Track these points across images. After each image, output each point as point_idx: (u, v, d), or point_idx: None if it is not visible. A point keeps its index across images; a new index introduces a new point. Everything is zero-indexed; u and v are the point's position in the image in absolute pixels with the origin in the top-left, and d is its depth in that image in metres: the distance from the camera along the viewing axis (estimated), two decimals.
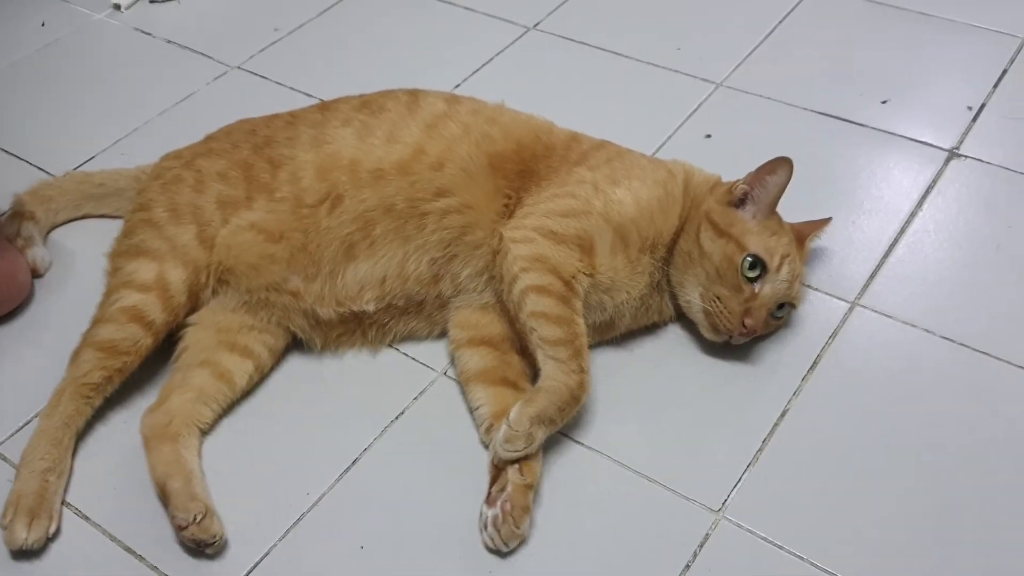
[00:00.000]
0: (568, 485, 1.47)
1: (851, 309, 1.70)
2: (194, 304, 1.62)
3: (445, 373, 1.64)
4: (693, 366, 1.63)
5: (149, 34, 2.46)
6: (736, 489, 1.45)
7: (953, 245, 1.80)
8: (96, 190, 1.89)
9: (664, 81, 2.21)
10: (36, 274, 1.80)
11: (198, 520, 1.37)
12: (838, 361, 1.62)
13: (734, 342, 1.58)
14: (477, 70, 2.27)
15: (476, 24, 2.43)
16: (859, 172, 1.96)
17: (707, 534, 1.40)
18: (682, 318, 1.67)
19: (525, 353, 1.55)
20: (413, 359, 1.66)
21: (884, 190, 1.92)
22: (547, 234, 1.53)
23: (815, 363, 1.61)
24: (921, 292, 1.72)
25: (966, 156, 1.98)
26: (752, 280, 1.53)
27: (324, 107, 1.73)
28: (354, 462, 1.51)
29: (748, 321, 1.53)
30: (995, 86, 2.13)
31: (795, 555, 1.37)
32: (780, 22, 2.35)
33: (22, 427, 1.57)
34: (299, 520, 1.44)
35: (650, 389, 1.60)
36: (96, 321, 1.58)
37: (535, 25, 2.40)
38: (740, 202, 1.58)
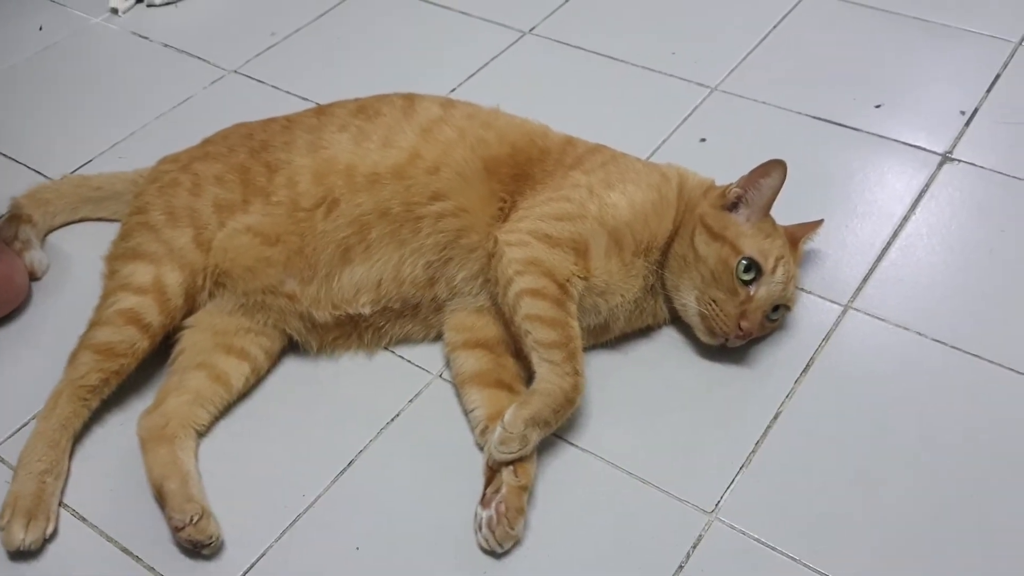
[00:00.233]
0: (562, 487, 1.47)
1: (844, 312, 1.70)
2: (191, 307, 1.63)
3: (440, 375, 1.64)
4: (687, 369, 1.64)
5: (146, 38, 2.47)
6: (729, 491, 1.46)
7: (946, 249, 1.81)
8: (93, 193, 1.89)
9: (659, 85, 2.22)
10: (33, 277, 1.81)
11: (195, 521, 1.38)
12: (831, 364, 1.63)
13: (730, 345, 1.58)
14: (473, 74, 2.28)
15: (472, 28, 2.44)
16: (852, 176, 1.97)
17: (700, 535, 1.41)
18: (676, 321, 1.68)
19: (520, 356, 1.56)
20: (409, 362, 1.67)
21: (877, 194, 1.92)
22: (542, 237, 1.53)
23: (808, 365, 1.62)
24: (914, 295, 1.73)
25: (959, 160, 1.99)
26: (747, 283, 1.54)
27: (320, 111, 1.74)
28: (350, 464, 1.52)
29: (744, 324, 1.53)
30: (988, 91, 2.14)
31: (788, 556, 1.38)
32: (774, 27, 2.36)
33: (19, 429, 1.57)
34: (295, 521, 1.45)
35: (644, 391, 1.61)
36: (93, 324, 1.58)
37: (531, 29, 2.41)
38: (734, 205, 1.59)
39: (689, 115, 2.13)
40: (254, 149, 1.68)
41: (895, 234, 1.84)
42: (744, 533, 1.41)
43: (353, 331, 1.66)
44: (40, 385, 1.56)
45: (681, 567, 1.37)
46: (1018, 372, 1.59)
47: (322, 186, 1.60)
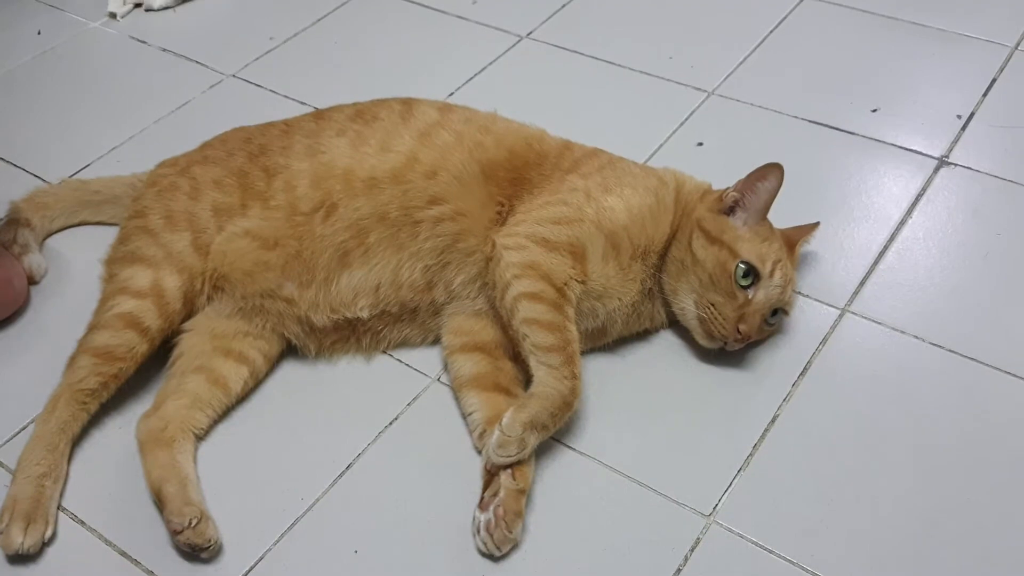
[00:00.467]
0: (560, 490, 1.48)
1: (841, 315, 1.71)
2: (189, 310, 1.63)
3: (438, 379, 1.64)
4: (684, 372, 1.64)
5: (144, 42, 2.47)
6: (727, 494, 1.46)
7: (942, 252, 1.81)
8: (92, 197, 1.90)
9: (656, 89, 2.22)
10: (32, 281, 1.81)
11: (193, 525, 1.38)
12: (828, 367, 1.63)
13: (729, 348, 1.59)
14: (470, 79, 2.28)
15: (470, 33, 2.44)
16: (849, 180, 1.97)
17: (698, 538, 1.41)
18: (674, 324, 1.68)
19: (518, 359, 1.56)
20: (407, 365, 1.67)
21: (874, 198, 1.93)
22: (539, 241, 1.54)
23: (805, 369, 1.63)
24: (911, 299, 1.73)
25: (955, 164, 1.99)
26: (745, 287, 1.54)
27: (318, 116, 1.74)
28: (348, 467, 1.52)
29: (743, 327, 1.54)
30: (984, 95, 2.15)
31: (786, 559, 1.38)
32: (771, 31, 2.37)
33: (18, 432, 1.58)
34: (293, 525, 1.45)
35: (642, 395, 1.61)
36: (92, 327, 1.58)
37: (528, 34, 2.42)
38: (731, 209, 1.59)
39: (686, 119, 2.13)
40: (252, 153, 1.68)
41: (892, 238, 1.84)
42: (742, 536, 1.41)
43: (351, 335, 1.66)
44: (39, 389, 1.56)
45: (679, 570, 1.37)
46: (1014, 375, 1.60)
47: (320, 190, 1.61)
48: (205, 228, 1.63)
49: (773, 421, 1.55)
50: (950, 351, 1.64)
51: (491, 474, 1.44)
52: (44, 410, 1.52)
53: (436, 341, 1.67)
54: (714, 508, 1.44)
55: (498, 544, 1.38)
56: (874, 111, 2.13)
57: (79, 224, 1.92)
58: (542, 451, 1.49)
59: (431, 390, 1.63)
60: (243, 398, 1.61)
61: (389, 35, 2.46)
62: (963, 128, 2.07)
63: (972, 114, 2.10)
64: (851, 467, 1.49)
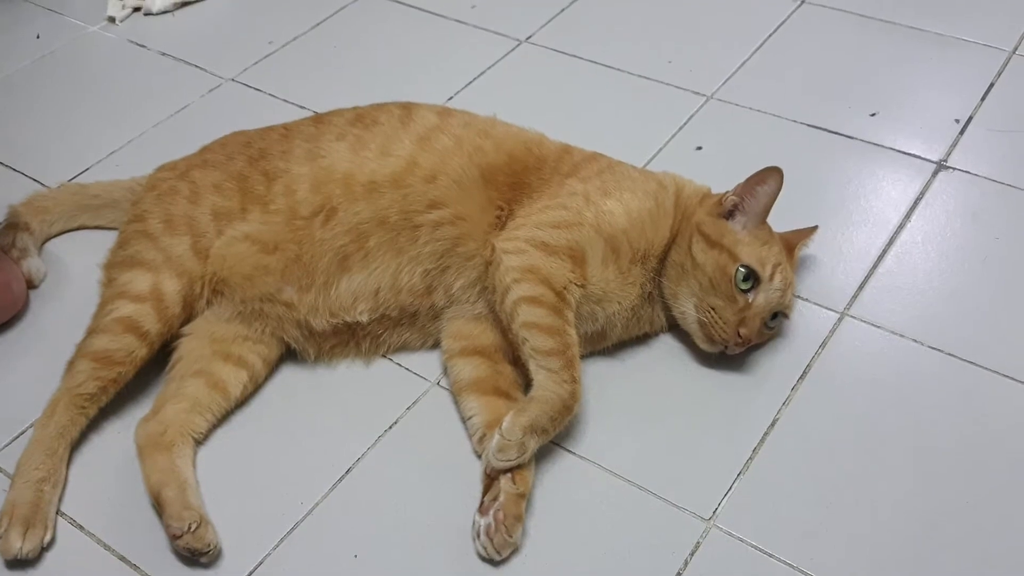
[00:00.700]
0: (560, 494, 1.47)
1: (840, 319, 1.71)
2: (188, 314, 1.63)
3: (438, 383, 1.64)
4: (684, 376, 1.64)
5: (143, 46, 2.47)
6: (727, 498, 1.46)
7: (941, 256, 1.82)
8: (91, 201, 1.90)
9: (655, 94, 2.23)
10: (31, 285, 1.81)
11: (192, 529, 1.38)
12: (828, 371, 1.63)
13: (729, 352, 1.59)
14: (470, 83, 2.28)
15: (469, 37, 2.45)
16: (848, 184, 1.97)
17: (698, 542, 1.41)
18: (673, 328, 1.68)
19: (518, 363, 1.56)
20: (406, 369, 1.67)
21: (873, 202, 1.93)
22: (539, 245, 1.54)
23: (805, 372, 1.63)
24: (910, 302, 1.73)
25: (954, 168, 1.99)
26: (745, 290, 1.54)
27: (318, 120, 1.74)
28: (347, 471, 1.52)
29: (743, 331, 1.54)
30: (982, 99, 2.15)
31: (786, 563, 1.38)
32: (770, 35, 2.37)
33: (17, 437, 1.57)
34: (293, 529, 1.45)
35: (642, 399, 1.61)
36: (91, 331, 1.58)
37: (527, 38, 2.42)
38: (730, 213, 1.60)
39: (685, 123, 2.13)
40: (252, 157, 1.68)
41: (891, 241, 1.84)
42: (742, 540, 1.41)
43: (351, 339, 1.66)
44: (38, 393, 1.56)
45: (679, 574, 1.37)
46: (1014, 379, 1.60)
47: (320, 194, 1.61)
48: (204, 232, 1.63)
49: (773, 425, 1.55)
50: (949, 355, 1.64)
51: (491, 478, 1.43)
52: (43, 414, 1.52)
53: (436, 345, 1.67)
54: (714, 512, 1.44)
55: (498, 548, 1.38)
56: (873, 115, 2.13)
57: (78, 228, 1.92)
58: (542, 455, 1.49)
59: (431, 394, 1.63)
60: (242, 402, 1.61)
61: (388, 39, 2.46)
62: (961, 132, 2.07)
63: (970, 118, 2.11)
64: (851, 471, 1.49)
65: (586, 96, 2.24)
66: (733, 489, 1.47)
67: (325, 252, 1.59)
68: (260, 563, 1.41)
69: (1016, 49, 2.28)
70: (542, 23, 2.46)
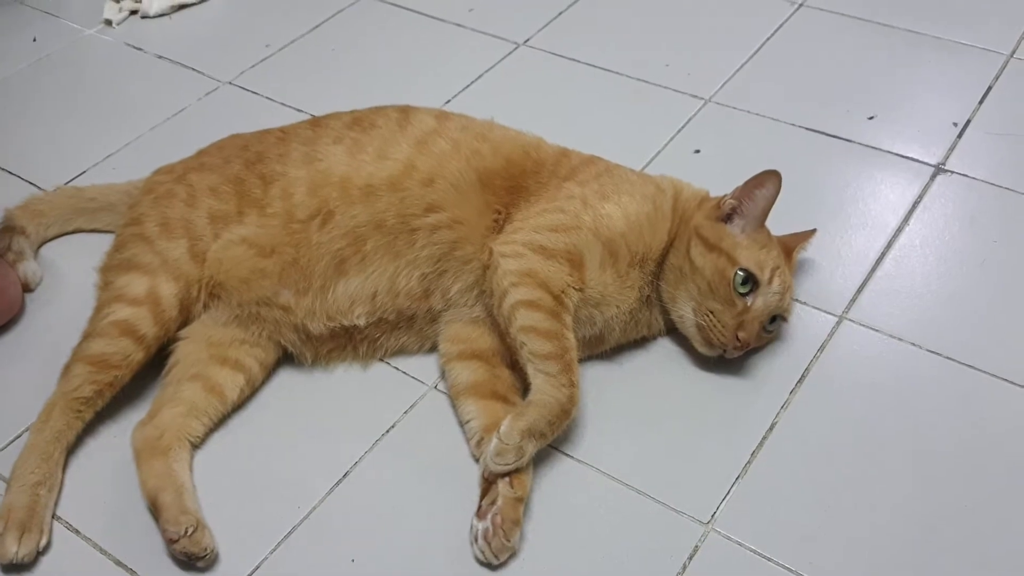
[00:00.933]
0: (558, 498, 1.47)
1: (839, 323, 1.71)
2: (185, 318, 1.62)
3: (436, 387, 1.64)
4: (682, 379, 1.64)
5: (140, 49, 2.47)
6: (725, 501, 1.46)
7: (939, 260, 1.81)
8: (87, 204, 1.89)
9: (653, 97, 2.23)
10: (27, 288, 1.80)
11: (189, 533, 1.37)
12: (826, 374, 1.63)
13: (728, 355, 1.58)
14: (467, 86, 2.28)
15: (466, 40, 2.44)
16: (846, 187, 1.97)
17: (696, 546, 1.40)
18: (671, 332, 1.68)
19: (515, 367, 1.56)
20: (404, 373, 1.67)
21: (871, 205, 1.93)
22: (537, 249, 1.53)
23: (803, 376, 1.62)
24: (908, 306, 1.73)
25: (952, 172, 1.99)
26: (744, 294, 1.54)
27: (315, 123, 1.74)
28: (345, 475, 1.51)
29: (742, 334, 1.54)
30: (980, 102, 2.15)
31: (784, 567, 1.38)
32: (768, 39, 2.37)
33: (12, 441, 1.57)
34: (290, 533, 1.44)
35: (640, 402, 1.61)
36: (87, 335, 1.58)
37: (525, 41, 2.42)
38: (729, 217, 1.59)
39: (683, 127, 2.13)
40: (249, 161, 1.68)
41: (889, 245, 1.84)
42: (740, 544, 1.40)
43: (348, 343, 1.65)
44: (33, 397, 1.55)
45: None
46: (1012, 382, 1.60)
47: (317, 198, 1.60)
48: (201, 235, 1.63)
49: (771, 428, 1.55)
50: (947, 358, 1.64)
51: (489, 482, 1.43)
52: (39, 419, 1.51)
53: (433, 349, 1.67)
54: (712, 516, 1.44)
55: (496, 553, 1.38)
56: (871, 118, 2.13)
57: (74, 231, 1.91)
58: (540, 459, 1.49)
59: (428, 398, 1.63)
60: (239, 406, 1.61)
61: (386, 42, 2.46)
62: (959, 136, 2.07)
63: (968, 122, 2.11)
64: (849, 474, 1.49)
65: (584, 99, 2.24)
66: (731, 493, 1.47)
67: (322, 256, 1.59)
68: (257, 567, 1.41)
69: (1014, 53, 2.28)
70: (540, 26, 2.46)
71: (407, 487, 1.50)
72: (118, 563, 1.42)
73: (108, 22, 2.55)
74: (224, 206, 1.64)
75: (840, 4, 2.45)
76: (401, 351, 1.68)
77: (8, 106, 2.31)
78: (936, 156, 2.03)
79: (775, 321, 1.59)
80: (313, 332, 1.62)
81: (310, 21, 2.53)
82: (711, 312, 1.55)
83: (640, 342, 1.68)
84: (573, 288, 1.53)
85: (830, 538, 1.41)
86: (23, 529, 1.40)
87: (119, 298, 1.59)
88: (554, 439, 1.47)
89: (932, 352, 1.65)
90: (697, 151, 2.07)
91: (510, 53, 2.39)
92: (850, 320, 1.71)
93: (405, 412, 1.60)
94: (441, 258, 1.59)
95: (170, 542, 1.38)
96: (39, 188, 2.02)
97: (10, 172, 2.09)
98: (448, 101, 2.22)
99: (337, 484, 1.50)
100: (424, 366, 1.67)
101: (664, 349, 1.68)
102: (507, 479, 1.41)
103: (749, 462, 1.51)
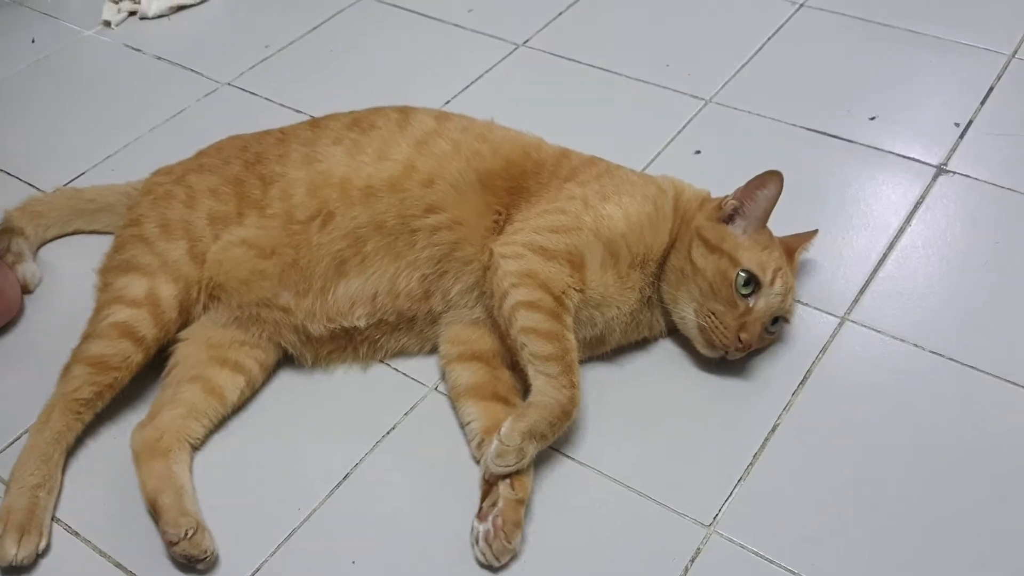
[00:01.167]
0: (559, 500, 1.47)
1: (841, 324, 1.70)
2: (185, 319, 1.62)
3: (436, 388, 1.64)
4: (684, 381, 1.63)
5: (139, 50, 2.47)
6: (727, 504, 1.45)
7: (941, 260, 1.81)
8: (86, 206, 1.89)
9: (653, 97, 2.22)
10: (26, 290, 1.80)
11: (189, 535, 1.37)
12: (828, 376, 1.62)
13: (730, 357, 1.58)
14: (467, 87, 2.28)
15: (466, 41, 2.44)
16: (848, 188, 1.97)
17: (698, 549, 1.40)
18: (673, 333, 1.67)
19: (516, 368, 1.55)
20: (404, 374, 1.66)
21: (873, 206, 1.93)
22: (537, 250, 1.53)
23: (805, 378, 1.62)
24: (910, 307, 1.73)
25: (954, 172, 1.99)
26: (746, 295, 1.53)
27: (315, 124, 1.73)
28: (345, 477, 1.51)
29: (744, 336, 1.53)
30: (982, 103, 2.15)
31: (787, 569, 1.37)
32: (769, 39, 2.37)
33: (12, 443, 1.57)
34: (290, 535, 1.44)
35: (641, 404, 1.60)
36: (86, 337, 1.57)
37: (525, 42, 2.41)
38: (730, 217, 1.59)
39: (684, 127, 2.13)
40: (248, 162, 1.68)
41: (891, 246, 1.84)
42: (742, 546, 1.40)
43: (348, 344, 1.65)
44: (33, 398, 1.55)
45: None
46: (1014, 383, 1.59)
47: (317, 199, 1.60)
48: (201, 237, 1.62)
49: (773, 430, 1.55)
50: (949, 359, 1.64)
51: (489, 484, 1.43)
52: (38, 420, 1.51)
53: (433, 350, 1.66)
54: (714, 518, 1.44)
55: (497, 555, 1.37)
56: (872, 119, 2.12)
57: (73, 233, 1.91)
58: (541, 461, 1.49)
59: (428, 399, 1.62)
60: (239, 408, 1.60)
61: (385, 43, 2.46)
62: (961, 136, 2.07)
63: (970, 122, 2.10)
64: (851, 476, 1.48)
65: (584, 100, 2.23)
66: (733, 495, 1.46)
67: (322, 257, 1.59)
68: (257, 569, 1.40)
69: (1016, 53, 2.27)
70: (539, 27, 2.46)
71: (408, 489, 1.50)
72: (118, 565, 1.41)
73: (107, 23, 2.55)
74: (224, 207, 1.63)
75: (841, 4, 2.45)
76: (401, 352, 1.68)
77: (7, 107, 2.30)
78: (938, 156, 2.03)
79: (777, 322, 1.59)
80: (313, 333, 1.62)
81: (309, 22, 2.53)
82: (713, 313, 1.54)
83: (641, 343, 1.68)
84: (574, 289, 1.52)
85: (832, 540, 1.41)
86: (22, 531, 1.40)
87: (118, 299, 1.59)
88: (555, 441, 1.46)
89: (934, 353, 1.65)
90: (698, 152, 2.06)
91: (510, 53, 2.38)
92: (852, 321, 1.71)
93: (405, 414, 1.60)
94: (441, 259, 1.59)
95: (170, 544, 1.38)
96: (38, 189, 2.02)
97: (9, 173, 2.09)
98: (448, 102, 2.22)
99: (337, 486, 1.50)
100: (424, 367, 1.66)
101: (665, 350, 1.68)
102: (508, 481, 1.41)
103: (751, 464, 1.50)
